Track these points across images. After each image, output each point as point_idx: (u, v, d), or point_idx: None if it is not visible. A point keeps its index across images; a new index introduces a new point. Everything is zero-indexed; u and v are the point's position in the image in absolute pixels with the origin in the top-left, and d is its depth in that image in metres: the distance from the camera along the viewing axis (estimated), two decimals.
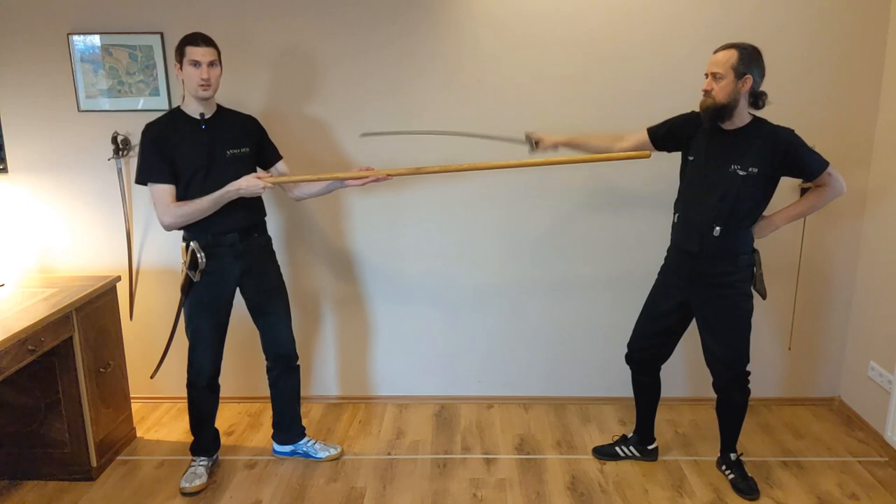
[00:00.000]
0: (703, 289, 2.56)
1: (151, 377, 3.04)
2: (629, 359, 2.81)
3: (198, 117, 2.53)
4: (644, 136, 2.67)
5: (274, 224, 2.80)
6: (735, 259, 2.48)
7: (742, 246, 2.49)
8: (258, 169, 2.69)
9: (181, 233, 2.61)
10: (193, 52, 2.43)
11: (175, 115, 2.56)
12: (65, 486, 2.74)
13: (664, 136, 2.63)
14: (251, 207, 2.62)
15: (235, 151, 2.58)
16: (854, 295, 3.23)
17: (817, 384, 3.36)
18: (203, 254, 2.55)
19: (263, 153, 2.73)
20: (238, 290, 2.70)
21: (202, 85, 2.45)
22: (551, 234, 3.22)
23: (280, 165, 2.76)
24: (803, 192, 2.81)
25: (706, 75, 2.41)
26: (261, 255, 2.72)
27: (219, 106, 2.63)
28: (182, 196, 2.50)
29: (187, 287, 2.60)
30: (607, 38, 3.00)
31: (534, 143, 2.71)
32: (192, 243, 2.55)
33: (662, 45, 2.99)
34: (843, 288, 3.24)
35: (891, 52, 2.96)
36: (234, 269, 2.64)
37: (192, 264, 2.56)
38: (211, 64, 2.46)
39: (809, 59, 3.00)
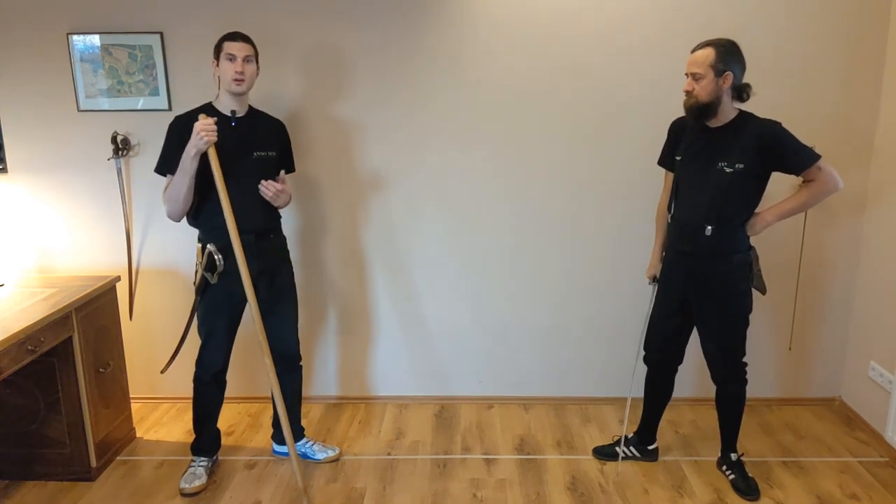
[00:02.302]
0: (700, 288, 2.55)
1: (162, 372, 3.00)
2: (646, 360, 2.81)
3: (229, 114, 2.53)
4: (665, 176, 2.71)
5: (287, 225, 2.81)
6: (730, 258, 2.48)
7: (736, 244, 2.48)
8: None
9: (184, 234, 2.59)
10: (230, 47, 2.46)
11: (206, 110, 2.55)
12: (64, 486, 2.74)
13: (671, 158, 2.63)
14: (267, 210, 2.62)
15: (262, 154, 2.58)
16: (854, 295, 3.23)
17: (818, 384, 3.36)
18: (221, 256, 2.54)
19: (284, 159, 2.74)
20: None
21: (236, 79, 2.46)
22: (552, 235, 3.22)
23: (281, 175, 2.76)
24: None
25: (686, 75, 2.40)
26: (276, 257, 2.72)
27: (251, 107, 2.63)
28: (206, 192, 2.49)
29: (202, 288, 2.60)
30: (609, 37, 3.00)
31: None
32: (209, 246, 2.55)
33: (663, 44, 2.99)
34: (844, 288, 3.23)
35: (891, 52, 2.96)
36: (251, 270, 2.63)
37: (209, 266, 2.55)
38: (246, 59, 2.47)
39: (809, 58, 2.99)
